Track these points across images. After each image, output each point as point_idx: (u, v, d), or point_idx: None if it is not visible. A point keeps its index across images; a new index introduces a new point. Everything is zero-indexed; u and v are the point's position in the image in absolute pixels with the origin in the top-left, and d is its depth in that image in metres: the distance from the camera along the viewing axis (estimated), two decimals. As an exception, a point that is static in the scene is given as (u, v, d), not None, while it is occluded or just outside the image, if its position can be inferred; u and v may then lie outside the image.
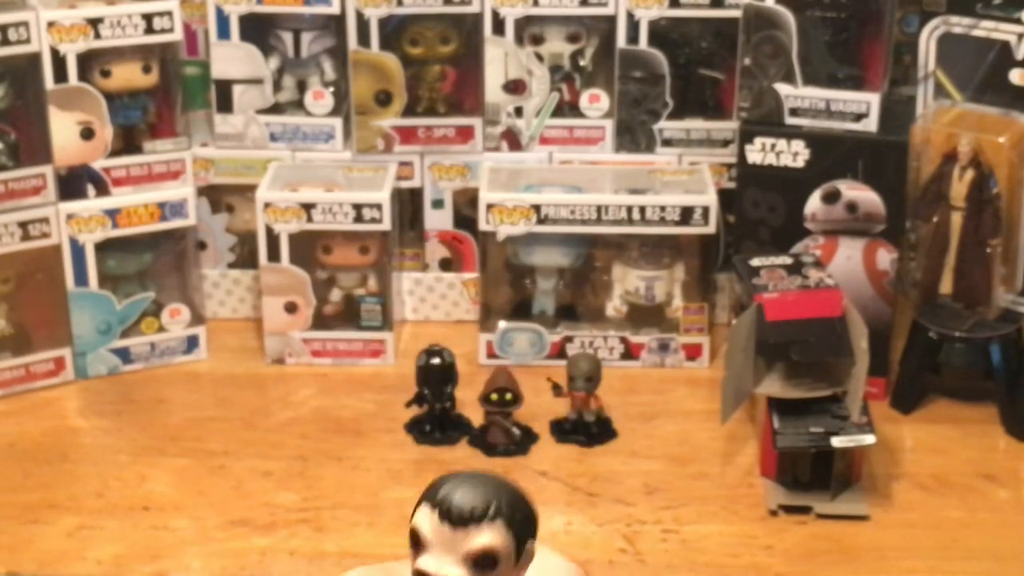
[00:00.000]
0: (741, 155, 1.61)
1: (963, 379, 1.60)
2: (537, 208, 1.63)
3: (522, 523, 0.41)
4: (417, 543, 0.42)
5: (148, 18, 1.62)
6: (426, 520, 0.42)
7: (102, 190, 1.66)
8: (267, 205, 1.64)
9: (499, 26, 1.69)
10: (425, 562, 0.41)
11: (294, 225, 1.64)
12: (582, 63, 1.73)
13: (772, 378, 1.45)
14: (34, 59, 1.59)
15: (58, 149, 1.63)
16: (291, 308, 1.68)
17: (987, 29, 1.54)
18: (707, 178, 1.68)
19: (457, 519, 0.41)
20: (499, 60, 1.71)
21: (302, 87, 1.73)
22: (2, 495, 1.45)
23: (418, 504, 0.43)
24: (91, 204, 1.66)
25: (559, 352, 1.67)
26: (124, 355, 1.69)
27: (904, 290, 1.61)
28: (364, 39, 1.69)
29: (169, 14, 1.63)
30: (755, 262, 1.53)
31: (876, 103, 1.57)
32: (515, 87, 1.72)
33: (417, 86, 1.73)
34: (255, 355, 1.71)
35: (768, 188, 1.61)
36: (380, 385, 1.64)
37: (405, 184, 1.75)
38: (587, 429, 1.54)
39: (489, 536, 0.41)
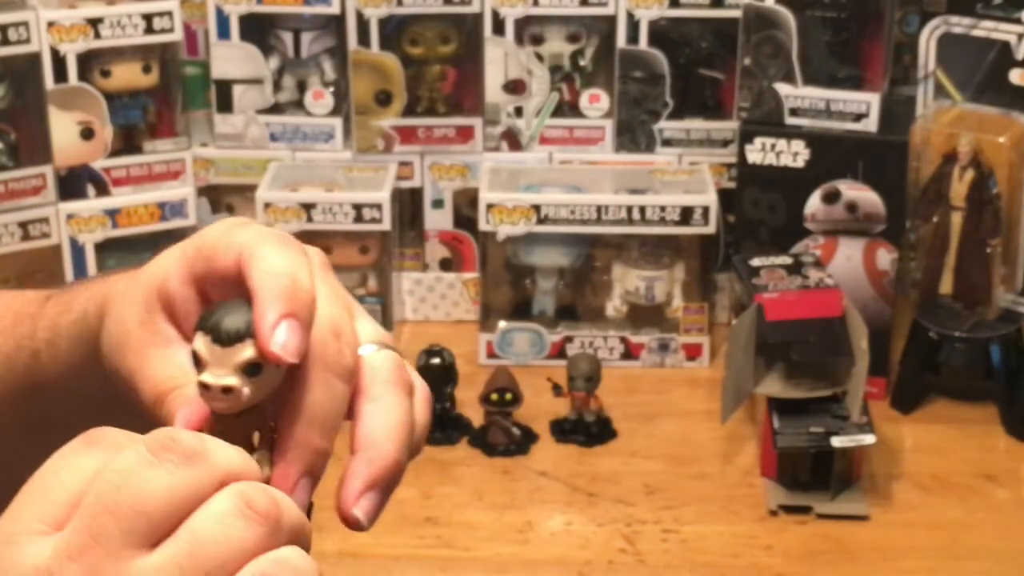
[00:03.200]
0: (741, 155, 1.61)
1: (963, 379, 1.60)
2: (537, 208, 1.63)
3: None
4: (198, 363, 0.53)
5: (148, 18, 1.62)
6: (202, 344, 0.53)
7: (102, 190, 1.67)
8: (267, 205, 1.64)
9: (499, 26, 1.69)
10: (205, 376, 0.53)
11: (294, 225, 1.64)
12: (582, 63, 1.73)
13: (772, 378, 1.45)
14: (34, 59, 1.59)
15: (58, 149, 1.63)
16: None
17: (987, 29, 1.55)
18: (707, 178, 1.68)
19: (226, 340, 0.53)
20: (499, 60, 1.71)
21: (302, 87, 1.73)
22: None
23: (194, 331, 0.54)
24: (91, 204, 1.66)
25: (559, 352, 1.67)
26: (124, 355, 1.69)
27: (904, 290, 1.61)
28: (364, 39, 1.69)
29: (169, 14, 1.63)
30: (755, 262, 1.53)
31: (876, 103, 1.57)
32: (515, 87, 1.73)
33: (417, 86, 1.73)
34: (255, 355, 1.71)
35: (768, 188, 1.61)
36: (380, 385, 1.64)
37: (405, 184, 1.75)
38: (587, 429, 1.54)
39: (252, 350, 0.53)
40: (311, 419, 0.54)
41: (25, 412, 0.68)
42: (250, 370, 0.53)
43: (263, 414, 0.55)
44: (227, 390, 0.53)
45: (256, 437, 0.55)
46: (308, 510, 0.55)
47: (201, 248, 0.58)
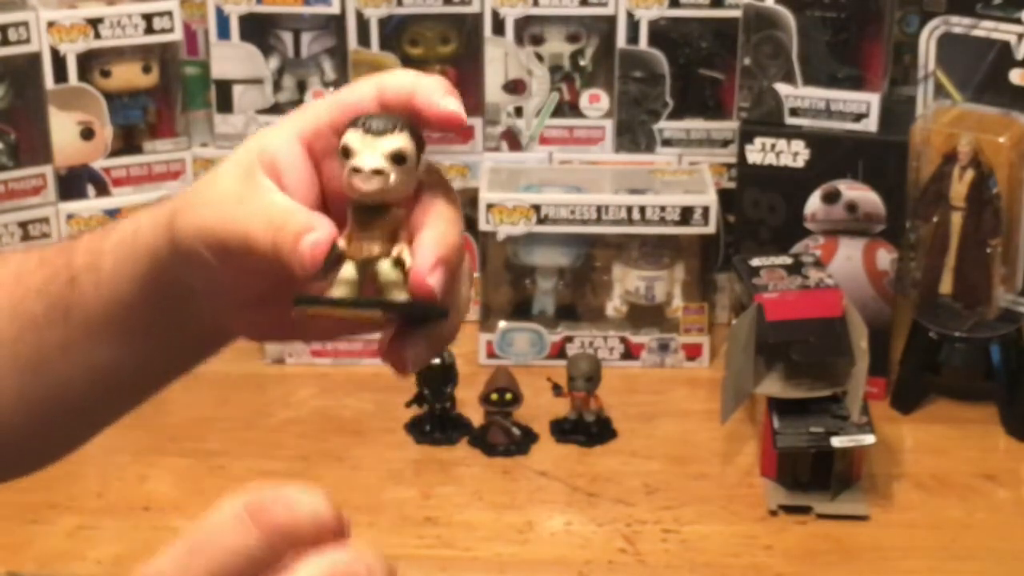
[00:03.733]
0: (741, 155, 1.61)
1: (963, 379, 1.60)
2: (537, 208, 1.63)
3: (419, 138, 0.61)
4: (348, 153, 0.60)
5: (148, 18, 1.62)
6: (353, 136, 0.60)
7: (102, 190, 1.67)
8: (267, 205, 1.64)
9: (499, 26, 1.69)
10: (356, 160, 0.60)
11: (294, 225, 1.63)
12: (582, 63, 1.73)
13: (772, 378, 1.45)
14: (34, 59, 1.60)
15: (58, 149, 1.63)
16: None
17: (987, 29, 1.55)
18: (707, 178, 1.68)
19: (377, 130, 0.60)
20: (499, 60, 1.71)
21: (302, 87, 1.73)
22: (2, 495, 1.44)
23: (344, 133, 0.61)
24: (91, 204, 1.66)
25: (559, 352, 1.67)
26: (124, 355, 1.69)
27: (904, 290, 1.61)
28: (364, 39, 1.69)
29: (169, 14, 1.63)
30: (755, 262, 1.53)
31: (876, 103, 1.57)
32: (515, 87, 1.73)
33: (417, 86, 1.72)
34: (255, 355, 1.70)
35: (768, 188, 1.61)
36: (380, 385, 1.64)
37: (405, 184, 1.75)
38: (587, 429, 1.54)
39: (400, 140, 0.60)
40: (447, 217, 0.61)
41: (54, 339, 0.70)
42: (396, 158, 0.60)
43: (399, 220, 0.61)
44: (377, 172, 0.59)
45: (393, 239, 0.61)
46: (444, 308, 0.61)
47: (306, 109, 0.65)
